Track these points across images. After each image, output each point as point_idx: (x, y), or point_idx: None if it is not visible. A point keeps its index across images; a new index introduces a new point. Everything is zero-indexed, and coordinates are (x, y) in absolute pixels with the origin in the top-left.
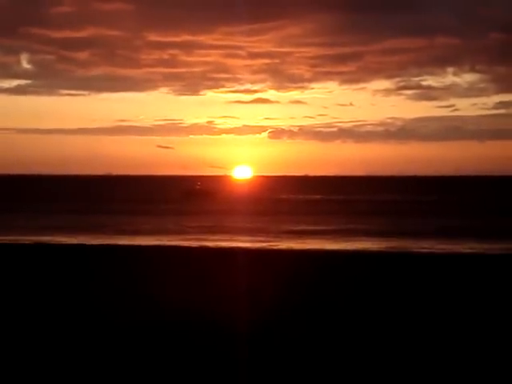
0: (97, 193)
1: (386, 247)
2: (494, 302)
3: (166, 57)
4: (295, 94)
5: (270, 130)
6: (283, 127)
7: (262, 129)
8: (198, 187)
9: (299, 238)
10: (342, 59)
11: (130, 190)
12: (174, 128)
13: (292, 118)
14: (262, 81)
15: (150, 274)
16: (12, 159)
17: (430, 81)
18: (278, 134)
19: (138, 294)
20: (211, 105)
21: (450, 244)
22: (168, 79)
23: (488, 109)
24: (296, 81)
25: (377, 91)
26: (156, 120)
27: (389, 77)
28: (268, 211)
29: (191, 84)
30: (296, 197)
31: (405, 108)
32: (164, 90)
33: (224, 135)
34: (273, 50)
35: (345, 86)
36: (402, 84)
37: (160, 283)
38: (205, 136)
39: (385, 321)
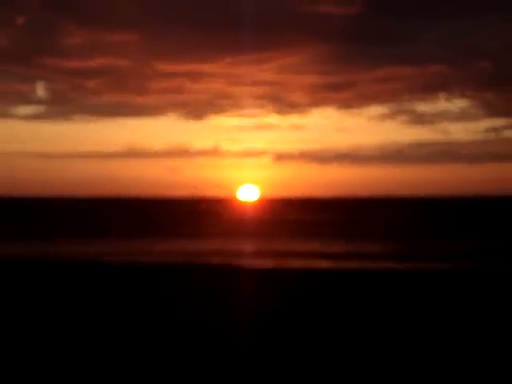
0: (106, 214)
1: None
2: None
3: (173, 84)
4: (295, 119)
5: (272, 154)
6: (284, 151)
7: (264, 152)
8: (202, 208)
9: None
10: (338, 86)
11: (140, 212)
12: (181, 151)
13: (293, 141)
14: (263, 107)
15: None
16: (28, 182)
17: (422, 106)
18: (279, 157)
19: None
20: (216, 129)
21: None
22: (175, 105)
23: (479, 133)
24: (296, 107)
25: (372, 116)
26: (164, 144)
27: (383, 103)
28: (273, 232)
29: (197, 110)
30: (300, 217)
31: (399, 132)
32: (172, 115)
33: (229, 158)
34: (273, 78)
35: (342, 112)
36: (396, 110)
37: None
38: (211, 159)
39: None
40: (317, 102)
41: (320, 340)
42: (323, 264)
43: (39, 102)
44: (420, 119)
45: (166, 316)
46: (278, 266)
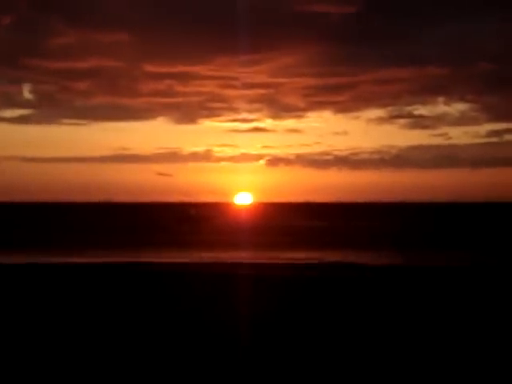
0: (96, 221)
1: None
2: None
3: (163, 87)
4: (291, 123)
5: (267, 158)
6: (280, 155)
7: (259, 157)
8: (192, 213)
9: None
10: (335, 89)
11: (127, 218)
12: (172, 156)
13: (288, 146)
14: (258, 110)
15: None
16: (16, 187)
17: (421, 110)
18: (275, 161)
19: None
20: (209, 133)
21: None
22: (166, 109)
23: (480, 137)
24: (291, 110)
25: (370, 120)
26: (155, 148)
27: (382, 106)
28: (266, 240)
29: (189, 113)
30: (294, 223)
31: (398, 136)
32: (163, 119)
33: (222, 163)
34: (268, 80)
35: (339, 115)
36: (394, 113)
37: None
38: (203, 164)
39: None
40: (313, 106)
41: (312, 341)
42: (315, 272)
43: (26, 104)
44: (419, 123)
45: (164, 319)
46: (271, 274)
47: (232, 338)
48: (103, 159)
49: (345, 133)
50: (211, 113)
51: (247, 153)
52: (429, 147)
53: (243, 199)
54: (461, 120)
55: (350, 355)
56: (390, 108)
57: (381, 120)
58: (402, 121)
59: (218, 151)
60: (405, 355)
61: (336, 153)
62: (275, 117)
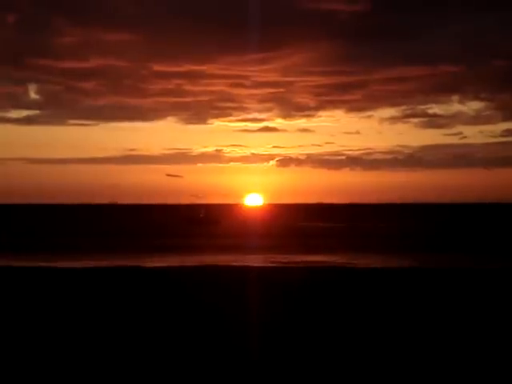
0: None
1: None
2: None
3: (172, 86)
4: (302, 123)
5: (277, 158)
6: (291, 155)
7: (269, 157)
8: (201, 216)
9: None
10: (347, 88)
11: (136, 220)
12: (182, 156)
13: (300, 146)
14: (268, 110)
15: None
16: (22, 189)
17: (435, 109)
18: (286, 162)
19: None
20: (219, 133)
21: None
22: (175, 108)
23: (495, 136)
24: (302, 109)
25: (383, 119)
26: (164, 149)
27: (395, 105)
28: (274, 243)
29: (198, 113)
30: (307, 225)
31: (412, 136)
32: (172, 119)
33: (232, 163)
34: (278, 79)
35: (351, 115)
36: (408, 112)
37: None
38: (213, 164)
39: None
40: (324, 105)
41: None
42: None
43: (32, 105)
44: (433, 122)
45: (173, 322)
46: (273, 279)
47: (237, 342)
48: (111, 160)
49: (357, 132)
50: (221, 112)
51: (257, 153)
52: (443, 146)
53: (254, 200)
54: (475, 119)
55: (353, 360)
56: (403, 107)
57: (394, 119)
58: (415, 120)
59: (228, 152)
60: (407, 360)
61: (348, 153)
62: (286, 116)
